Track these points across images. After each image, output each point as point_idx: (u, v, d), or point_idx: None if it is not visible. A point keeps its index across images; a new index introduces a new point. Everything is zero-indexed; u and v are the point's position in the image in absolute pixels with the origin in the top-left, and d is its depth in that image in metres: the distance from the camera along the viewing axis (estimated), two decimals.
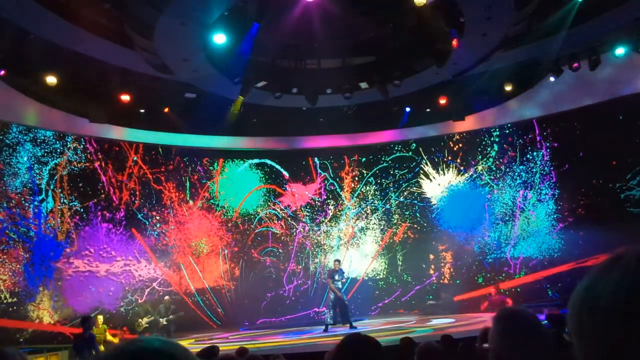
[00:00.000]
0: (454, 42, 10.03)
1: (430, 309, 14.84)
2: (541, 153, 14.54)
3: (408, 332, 10.15)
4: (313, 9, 9.70)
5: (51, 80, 10.69)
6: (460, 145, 15.80)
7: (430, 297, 15.62)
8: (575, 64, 11.90)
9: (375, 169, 16.73)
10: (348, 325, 11.85)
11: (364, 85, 12.08)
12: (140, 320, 12.67)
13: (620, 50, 11.56)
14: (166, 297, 13.51)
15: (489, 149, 15.38)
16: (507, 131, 14.99)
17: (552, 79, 12.57)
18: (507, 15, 9.25)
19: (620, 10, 10.05)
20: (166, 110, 13.00)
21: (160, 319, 12.57)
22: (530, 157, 14.77)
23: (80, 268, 13.32)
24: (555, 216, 14.24)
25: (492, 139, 15.32)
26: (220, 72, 10.87)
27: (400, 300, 15.86)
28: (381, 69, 11.84)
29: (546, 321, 6.27)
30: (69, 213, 13.38)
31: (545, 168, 14.49)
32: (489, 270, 14.91)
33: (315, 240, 16.63)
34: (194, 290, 15.19)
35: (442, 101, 13.34)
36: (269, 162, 16.52)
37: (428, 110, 14.28)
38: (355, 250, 16.70)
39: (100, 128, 13.22)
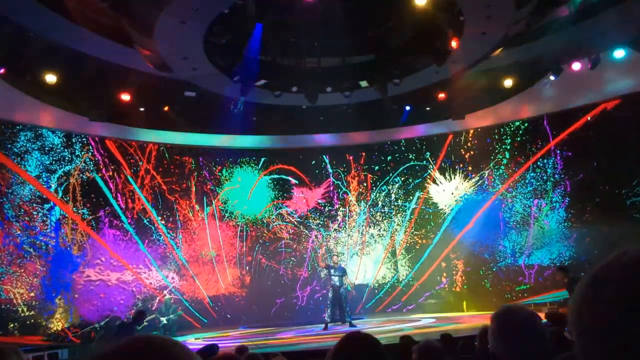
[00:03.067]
0: (454, 41, 10.03)
1: (430, 308, 14.85)
2: (551, 160, 14.10)
3: (394, 332, 10.14)
4: (313, 7, 9.70)
5: (50, 78, 10.69)
6: (471, 152, 15.49)
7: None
8: (575, 63, 11.89)
9: (387, 178, 16.58)
10: (348, 324, 11.85)
11: (364, 83, 12.08)
12: None
13: (620, 52, 11.52)
14: (167, 296, 13.53)
15: (500, 157, 14.98)
16: (518, 139, 14.65)
17: (552, 77, 12.56)
18: (506, 14, 9.25)
19: (621, 8, 10.04)
20: (166, 108, 13.00)
21: (162, 318, 12.57)
22: (541, 165, 14.34)
23: (91, 277, 13.21)
24: (565, 224, 13.84)
25: (503, 146, 14.93)
26: (219, 70, 10.87)
27: (407, 308, 15.69)
28: (381, 68, 11.84)
29: (545, 320, 6.27)
30: (84, 223, 13.30)
31: (555, 176, 14.07)
32: (503, 279, 14.48)
33: (325, 246, 16.49)
34: (205, 297, 15.15)
35: (442, 100, 13.33)
36: (276, 167, 16.45)
37: (428, 109, 14.28)
38: (365, 256, 16.59)
39: (99, 127, 13.22)
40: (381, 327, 11.80)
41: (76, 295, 12.73)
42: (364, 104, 13.41)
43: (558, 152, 14.05)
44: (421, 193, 16.19)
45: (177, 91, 12.19)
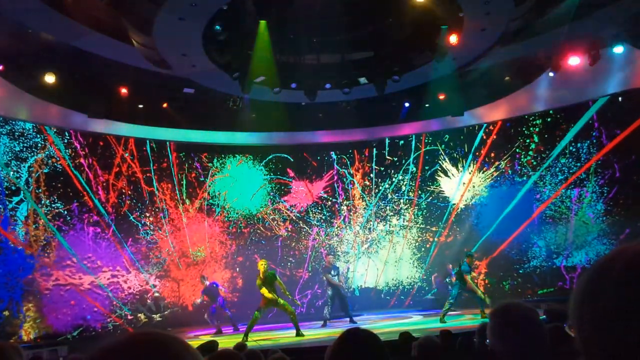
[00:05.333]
0: (453, 37, 10.03)
1: (429, 304, 14.83)
2: (587, 143, 12.87)
3: (392, 329, 10.13)
4: (312, 3, 9.68)
5: (49, 75, 10.68)
6: (494, 137, 14.52)
7: (433, 291, 15.27)
8: (575, 60, 11.88)
9: (400, 173, 15.94)
10: (348, 319, 11.88)
11: (363, 80, 12.07)
12: (139, 315, 12.66)
13: (618, 49, 11.48)
14: (156, 294, 13.22)
15: (527, 141, 13.93)
16: (549, 119, 13.43)
17: (551, 74, 12.55)
18: (506, 10, 9.24)
19: (620, 5, 10.02)
20: (165, 105, 12.96)
21: (153, 316, 12.45)
22: (574, 150, 13.10)
23: (60, 281, 11.77)
24: (603, 219, 12.52)
25: (531, 129, 13.84)
26: (218, 67, 10.85)
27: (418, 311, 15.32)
28: (380, 64, 11.82)
29: (544, 316, 6.28)
30: (50, 216, 12.06)
31: (590, 161, 12.85)
32: (539, 284, 13.36)
33: (327, 244, 15.90)
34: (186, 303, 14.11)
35: (441, 96, 13.31)
36: (273, 157, 15.90)
37: (427, 105, 14.26)
38: (372, 256, 16.09)
39: (98, 124, 13.18)
40: (380, 324, 11.82)
41: (30, 305, 11.31)
42: (364, 101, 13.39)
43: (604, 130, 12.44)
44: (455, 200, 15.14)
45: (176, 88, 12.17)
